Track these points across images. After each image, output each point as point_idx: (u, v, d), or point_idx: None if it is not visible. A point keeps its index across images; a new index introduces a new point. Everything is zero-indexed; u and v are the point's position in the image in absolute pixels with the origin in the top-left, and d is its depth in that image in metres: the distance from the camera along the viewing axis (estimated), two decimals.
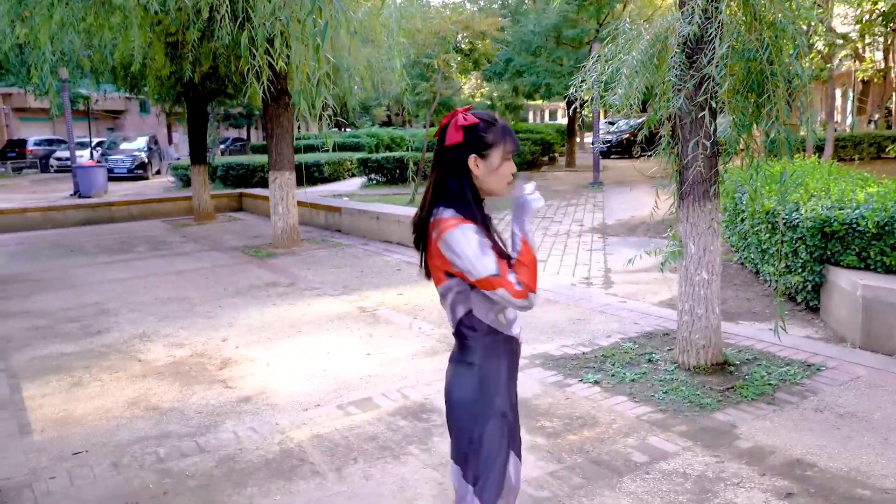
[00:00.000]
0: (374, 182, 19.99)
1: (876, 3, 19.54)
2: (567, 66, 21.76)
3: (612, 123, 31.30)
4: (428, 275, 2.14)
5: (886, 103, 27.57)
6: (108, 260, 9.85)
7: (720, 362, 4.70)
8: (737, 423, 3.87)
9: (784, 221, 5.77)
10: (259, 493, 3.33)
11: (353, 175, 22.22)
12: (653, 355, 4.97)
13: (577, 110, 5.42)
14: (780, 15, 4.03)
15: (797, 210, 5.73)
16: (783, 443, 3.62)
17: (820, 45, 18.84)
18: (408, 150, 21.90)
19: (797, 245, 5.75)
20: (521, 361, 2.25)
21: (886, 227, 5.03)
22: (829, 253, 5.45)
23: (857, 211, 5.28)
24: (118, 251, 10.62)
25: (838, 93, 29.50)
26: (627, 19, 4.87)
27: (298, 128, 32.45)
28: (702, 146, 4.28)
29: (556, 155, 28.13)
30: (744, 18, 4.23)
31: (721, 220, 4.70)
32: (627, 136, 28.62)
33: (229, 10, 6.65)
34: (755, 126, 4.50)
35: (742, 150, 4.63)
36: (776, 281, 6.25)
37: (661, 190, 4.82)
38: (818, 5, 14.18)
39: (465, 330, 2.09)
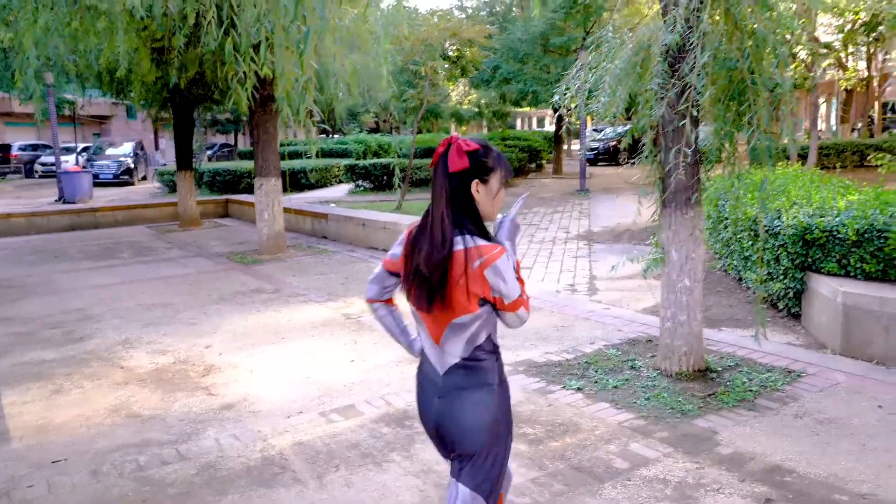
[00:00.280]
0: (362, 188, 19.95)
1: (858, 14, 19.81)
2: (554, 74, 21.88)
3: (598, 131, 31.48)
4: (437, 305, 2.04)
5: (869, 112, 27.90)
6: (92, 266, 9.78)
7: (702, 369, 4.73)
8: (717, 430, 3.89)
9: (765, 228, 5.82)
10: (240, 501, 3.32)
11: (341, 181, 22.18)
12: (636, 362, 4.99)
13: (563, 118, 5.44)
14: (761, 25, 4.08)
15: (779, 217, 5.78)
16: (763, 449, 3.65)
17: (803, 54, 19.06)
18: (396, 156, 21.91)
19: (779, 252, 5.80)
20: (505, 368, 2.28)
21: (866, 235, 5.08)
22: (810, 260, 5.49)
23: (837, 218, 5.33)
24: (102, 257, 10.54)
25: (822, 101, 29.83)
26: (611, 28, 4.90)
27: (292, 134, 32.36)
28: (683, 154, 4.31)
29: (544, 162, 28.29)
30: (725, 28, 4.27)
31: (703, 228, 4.73)
32: (614, 143, 28.81)
33: (216, 16, 6.62)
34: (737, 134, 4.55)
35: (724, 158, 4.67)
36: (758, 288, 6.30)
37: (643, 198, 4.86)
38: (799, 16, 14.34)
39: (480, 354, 2.09)
